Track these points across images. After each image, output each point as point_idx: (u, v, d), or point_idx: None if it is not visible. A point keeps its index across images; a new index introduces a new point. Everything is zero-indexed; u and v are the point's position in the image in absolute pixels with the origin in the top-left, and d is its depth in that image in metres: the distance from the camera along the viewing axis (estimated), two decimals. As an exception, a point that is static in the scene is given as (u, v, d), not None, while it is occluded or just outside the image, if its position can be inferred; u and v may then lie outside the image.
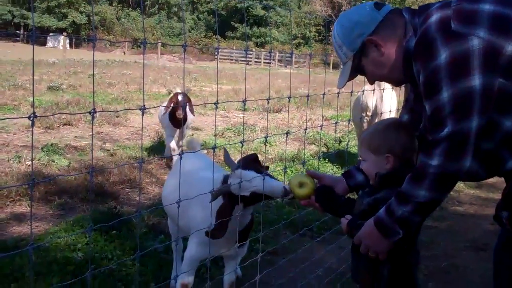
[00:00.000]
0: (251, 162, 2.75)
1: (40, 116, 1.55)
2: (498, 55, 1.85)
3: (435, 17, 1.95)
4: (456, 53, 1.85)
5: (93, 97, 1.47)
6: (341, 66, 2.26)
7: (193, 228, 2.95)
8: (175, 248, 3.87)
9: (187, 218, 3.05)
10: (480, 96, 1.85)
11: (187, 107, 6.81)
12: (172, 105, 6.75)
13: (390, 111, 6.19)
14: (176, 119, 6.72)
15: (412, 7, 2.27)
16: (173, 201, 2.44)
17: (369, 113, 7.56)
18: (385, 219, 2.08)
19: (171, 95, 7.08)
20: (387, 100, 7.24)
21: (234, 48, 47.69)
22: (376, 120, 7.56)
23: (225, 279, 3.27)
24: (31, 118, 1.55)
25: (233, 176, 2.70)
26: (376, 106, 7.49)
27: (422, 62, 1.95)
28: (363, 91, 6.15)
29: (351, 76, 2.27)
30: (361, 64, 2.20)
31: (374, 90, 7.12)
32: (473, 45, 1.84)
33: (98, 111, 1.70)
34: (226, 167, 3.20)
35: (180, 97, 6.64)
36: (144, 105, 1.95)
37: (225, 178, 2.82)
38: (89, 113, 1.72)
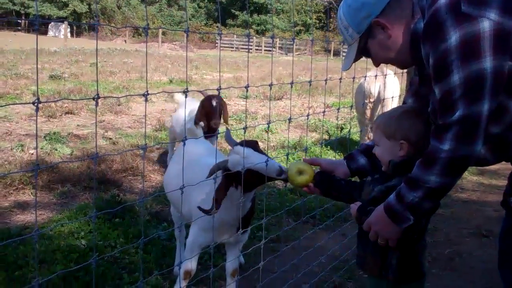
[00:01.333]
0: (252, 144, 2.77)
1: (44, 102, 1.54)
2: (509, 37, 1.83)
3: None
4: (466, 35, 1.83)
5: (97, 83, 1.47)
6: (345, 49, 2.25)
7: (195, 214, 2.94)
8: (178, 235, 3.89)
9: (189, 204, 3.08)
10: (491, 79, 1.83)
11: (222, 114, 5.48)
12: (201, 112, 5.26)
13: (392, 97, 6.15)
14: (210, 129, 5.14)
15: None
16: (176, 187, 2.44)
17: (372, 100, 7.53)
18: (395, 205, 2.06)
19: (202, 99, 5.50)
20: (389, 86, 7.21)
21: (235, 36, 47.50)
22: (379, 107, 7.55)
23: (227, 266, 3.27)
24: (35, 104, 1.55)
25: (232, 152, 2.73)
26: (379, 93, 7.46)
27: (432, 45, 1.92)
28: (365, 77, 6.09)
29: (357, 58, 2.25)
30: (367, 46, 2.18)
31: (376, 76, 7.09)
32: (484, 27, 1.82)
33: (102, 97, 1.69)
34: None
35: (214, 103, 5.25)
36: (147, 91, 1.94)
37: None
38: (93, 99, 1.71)
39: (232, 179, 2.74)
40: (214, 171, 2.72)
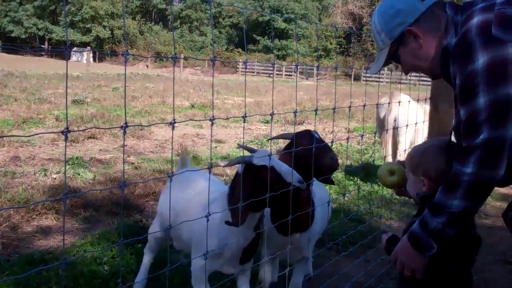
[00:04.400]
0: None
1: (73, 131, 1.55)
2: None
3: (476, 19, 1.91)
4: (494, 58, 1.82)
5: (125, 111, 1.47)
6: (365, 74, 2.26)
7: (197, 241, 2.90)
8: (147, 263, 3.83)
9: (192, 231, 2.99)
10: None
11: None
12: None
13: (407, 125, 6.03)
14: (325, 169, 3.21)
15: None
16: (180, 211, 2.36)
17: (386, 128, 7.54)
18: (419, 232, 2.04)
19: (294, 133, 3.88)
20: (403, 114, 7.13)
21: (256, 61, 47.81)
22: (396, 134, 7.53)
23: None
24: (65, 133, 1.55)
25: (257, 153, 2.73)
26: (393, 121, 7.46)
27: (460, 65, 1.92)
28: (377, 104, 5.98)
29: (386, 63, 2.26)
30: (398, 53, 2.19)
31: (389, 103, 7.05)
32: None
33: (130, 125, 1.70)
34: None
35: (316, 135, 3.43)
36: (174, 119, 1.95)
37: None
38: (121, 127, 1.71)
39: (252, 181, 2.62)
40: (235, 163, 2.71)
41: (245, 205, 2.56)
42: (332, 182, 3.23)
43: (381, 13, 2.18)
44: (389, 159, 7.70)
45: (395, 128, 7.63)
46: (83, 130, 1.89)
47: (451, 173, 1.96)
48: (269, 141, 2.74)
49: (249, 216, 2.63)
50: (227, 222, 2.60)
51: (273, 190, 2.58)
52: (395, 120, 7.53)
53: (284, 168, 2.62)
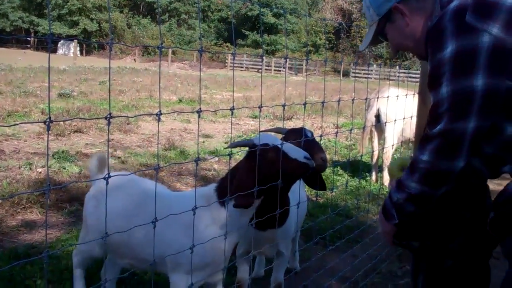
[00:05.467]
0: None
1: (56, 121, 1.51)
2: (509, 55, 1.75)
3: (454, 3, 1.87)
4: (462, 47, 1.77)
5: (109, 102, 1.44)
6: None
7: (178, 256, 2.50)
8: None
9: (162, 245, 2.59)
10: (481, 97, 1.76)
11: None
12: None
13: (395, 120, 5.99)
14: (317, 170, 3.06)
15: None
16: (124, 229, 2.18)
17: (369, 123, 7.58)
18: (386, 202, 2.16)
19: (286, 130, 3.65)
20: (389, 109, 7.13)
21: (245, 56, 47.75)
22: (382, 130, 7.54)
23: None
24: (47, 123, 1.52)
25: (258, 137, 2.70)
26: (374, 117, 7.48)
27: (431, 51, 1.90)
28: (366, 99, 5.89)
29: (374, 41, 2.25)
30: (385, 31, 2.18)
31: (377, 97, 7.04)
32: (482, 42, 1.75)
33: (114, 116, 1.66)
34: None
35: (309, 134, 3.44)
36: (160, 111, 1.91)
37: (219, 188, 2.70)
38: (105, 118, 1.68)
39: (256, 163, 2.51)
40: (236, 146, 2.66)
41: (252, 188, 2.50)
42: (322, 187, 3.20)
43: None
44: (363, 151, 7.72)
45: (373, 126, 7.66)
46: (66, 120, 1.85)
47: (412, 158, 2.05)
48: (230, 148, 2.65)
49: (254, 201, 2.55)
50: (235, 205, 2.48)
51: (278, 171, 2.53)
52: (376, 116, 7.54)
53: (289, 147, 2.60)
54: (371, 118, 7.58)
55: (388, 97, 6.18)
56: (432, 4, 2.03)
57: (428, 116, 1.93)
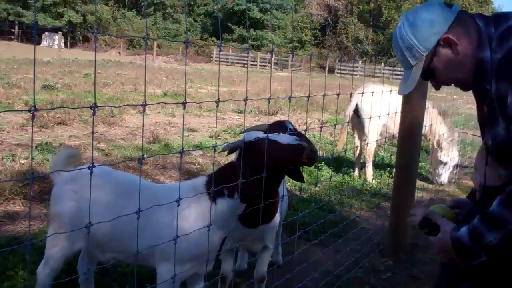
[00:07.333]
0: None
1: (41, 110, 1.51)
2: None
3: None
4: None
5: (94, 91, 1.44)
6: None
7: (162, 249, 2.55)
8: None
9: (150, 237, 2.62)
10: None
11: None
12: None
13: (370, 118, 5.94)
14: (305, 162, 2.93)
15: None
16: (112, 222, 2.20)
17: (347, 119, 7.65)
18: (468, 244, 1.96)
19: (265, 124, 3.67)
20: (368, 106, 7.17)
21: (231, 51, 47.64)
22: (362, 127, 7.59)
23: None
24: (32, 111, 1.52)
25: (247, 134, 2.74)
26: (353, 112, 7.53)
27: (508, 83, 1.85)
28: (351, 94, 5.86)
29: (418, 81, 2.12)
30: (431, 66, 2.06)
31: (351, 94, 7.06)
32: None
33: (100, 106, 1.67)
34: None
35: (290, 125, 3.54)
36: (145, 101, 1.92)
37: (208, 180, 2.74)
38: (90, 107, 1.68)
39: (251, 159, 2.63)
40: (228, 148, 2.69)
41: (253, 179, 2.59)
42: (302, 179, 3.25)
43: (410, 26, 2.04)
44: (341, 147, 7.77)
45: (352, 122, 7.72)
46: (51, 110, 1.84)
47: (508, 189, 1.89)
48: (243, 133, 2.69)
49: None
50: (243, 194, 2.60)
51: (272, 161, 2.61)
52: (355, 111, 7.57)
53: (276, 135, 2.67)
54: (349, 113, 7.64)
55: (363, 93, 6.20)
56: (476, 33, 1.98)
57: None
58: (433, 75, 2.09)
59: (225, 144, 2.76)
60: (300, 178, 3.21)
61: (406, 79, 2.13)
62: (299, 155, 2.65)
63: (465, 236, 1.97)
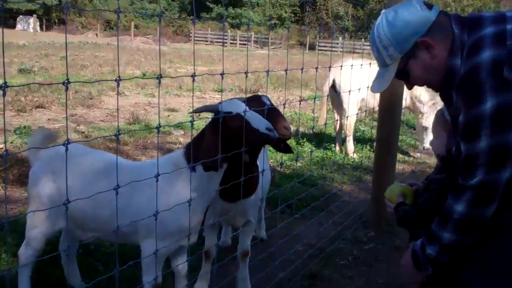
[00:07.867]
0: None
1: (12, 86, 1.49)
2: None
3: (488, 54, 1.83)
4: (503, 103, 1.79)
5: (66, 66, 1.42)
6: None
7: (146, 222, 2.51)
8: (66, 261, 3.32)
9: (132, 214, 2.62)
10: None
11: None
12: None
13: (349, 91, 5.94)
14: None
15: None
16: (91, 201, 2.20)
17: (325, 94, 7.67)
18: (419, 253, 2.12)
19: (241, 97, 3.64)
20: (344, 80, 7.18)
21: (210, 29, 47.24)
22: (340, 100, 7.61)
23: (179, 269, 3.01)
24: (3, 88, 1.50)
25: (224, 103, 2.70)
26: (330, 87, 7.54)
27: (466, 103, 1.87)
28: (330, 67, 5.80)
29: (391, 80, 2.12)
30: (407, 68, 2.05)
31: (330, 67, 7.05)
32: None
33: (72, 82, 1.64)
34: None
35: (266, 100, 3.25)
36: (119, 76, 1.90)
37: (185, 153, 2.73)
38: (63, 83, 1.66)
39: (221, 130, 2.56)
40: (201, 111, 2.67)
41: (218, 152, 2.53)
42: (288, 150, 3.25)
43: (389, 26, 2.01)
44: (322, 122, 7.79)
45: (327, 97, 7.73)
46: (22, 86, 1.82)
47: (444, 206, 2.00)
48: (192, 114, 2.65)
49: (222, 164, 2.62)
50: (205, 168, 2.53)
51: (241, 139, 2.57)
52: (333, 86, 7.57)
53: (252, 115, 2.60)
54: (326, 89, 7.65)
55: (341, 66, 6.18)
56: (450, 38, 1.96)
57: (461, 165, 1.93)
58: (407, 76, 2.09)
59: (202, 106, 2.74)
60: (287, 150, 3.22)
61: (380, 76, 2.14)
62: (264, 143, 2.66)
63: (418, 248, 2.14)
